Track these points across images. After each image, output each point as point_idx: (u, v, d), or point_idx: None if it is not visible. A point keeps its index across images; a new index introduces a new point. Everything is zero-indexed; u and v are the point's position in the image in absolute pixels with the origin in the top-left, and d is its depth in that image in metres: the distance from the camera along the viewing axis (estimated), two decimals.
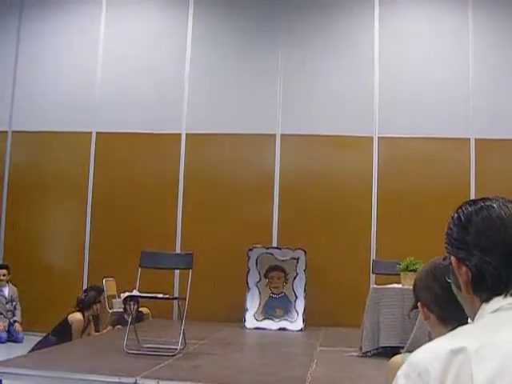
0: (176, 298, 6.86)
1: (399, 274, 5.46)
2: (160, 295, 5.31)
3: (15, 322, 7.48)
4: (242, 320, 7.30)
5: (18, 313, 7.60)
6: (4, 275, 7.63)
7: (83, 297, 6.75)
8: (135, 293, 5.23)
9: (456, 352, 0.90)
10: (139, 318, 6.96)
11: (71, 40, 8.51)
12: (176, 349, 4.88)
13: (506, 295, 1.04)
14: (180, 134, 8.22)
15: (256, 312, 7.41)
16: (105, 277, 7.22)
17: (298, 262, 7.52)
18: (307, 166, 8.07)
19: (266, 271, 7.57)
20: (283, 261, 7.56)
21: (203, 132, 8.17)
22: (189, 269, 5.41)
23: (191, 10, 8.41)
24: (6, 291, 7.60)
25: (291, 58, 8.21)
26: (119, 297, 6.60)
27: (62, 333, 6.26)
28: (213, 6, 8.42)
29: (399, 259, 5.53)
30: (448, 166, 7.83)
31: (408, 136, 7.89)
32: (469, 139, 7.82)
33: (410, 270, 5.22)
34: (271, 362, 4.94)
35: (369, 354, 5.22)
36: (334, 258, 7.69)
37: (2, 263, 7.93)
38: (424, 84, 7.96)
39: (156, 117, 8.24)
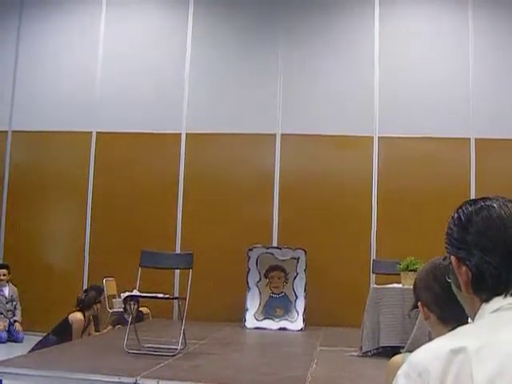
0: (176, 298, 6.86)
1: (399, 274, 5.47)
2: (160, 295, 5.31)
3: (15, 321, 7.49)
4: (242, 320, 7.31)
5: (19, 313, 7.60)
6: (4, 275, 7.63)
7: (83, 297, 6.75)
8: (135, 293, 5.24)
9: (456, 352, 0.90)
10: (139, 317, 6.96)
11: (71, 40, 8.51)
12: (176, 349, 4.88)
13: (506, 295, 1.04)
14: (180, 134, 8.22)
15: (256, 312, 7.41)
16: (105, 277, 7.22)
17: (298, 261, 7.52)
18: (307, 166, 8.07)
19: (266, 271, 7.57)
20: (283, 261, 7.57)
21: (203, 132, 8.17)
22: (189, 269, 5.41)
23: (191, 10, 8.41)
24: (6, 291, 7.60)
25: (291, 58, 8.22)
26: (119, 297, 6.60)
27: (63, 333, 6.26)
28: (213, 5, 8.42)
29: (399, 259, 5.53)
30: (448, 166, 7.83)
31: (408, 136, 7.90)
32: (469, 139, 7.82)
33: (410, 270, 5.23)
34: (271, 362, 4.93)
35: (369, 353, 5.22)
36: (334, 257, 7.70)
37: (2, 263, 7.93)
38: (424, 84, 7.97)
39: (156, 117, 8.24)
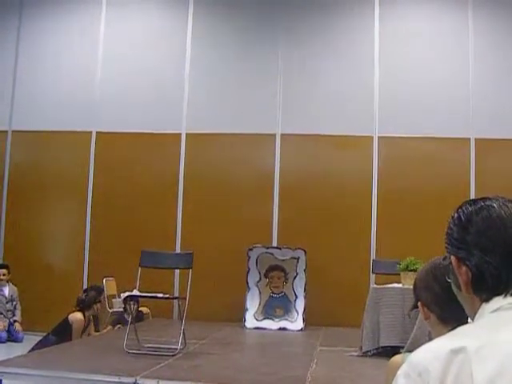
0: (176, 298, 6.86)
1: (399, 274, 5.47)
2: (160, 295, 5.31)
3: (15, 321, 7.49)
4: (242, 320, 7.31)
5: (18, 312, 7.60)
6: (4, 275, 7.63)
7: (83, 297, 6.76)
8: (135, 292, 5.24)
9: (456, 352, 0.90)
10: (139, 317, 6.96)
11: (71, 40, 8.51)
12: (176, 348, 4.88)
13: (506, 295, 1.04)
14: (180, 134, 8.22)
15: (256, 312, 7.41)
16: (105, 276, 7.22)
17: (298, 261, 7.52)
18: (307, 166, 8.07)
19: (266, 271, 7.57)
20: (283, 260, 7.57)
21: (203, 132, 8.17)
22: (189, 268, 5.41)
23: (191, 10, 8.41)
24: (6, 291, 7.60)
25: (291, 58, 8.22)
26: (119, 296, 6.60)
27: (62, 332, 6.26)
28: (213, 5, 8.42)
29: (399, 259, 5.53)
30: (448, 165, 7.83)
31: (408, 136, 7.90)
32: (469, 139, 7.82)
33: (410, 270, 5.23)
34: (271, 362, 4.94)
35: (369, 353, 5.22)
36: (334, 257, 7.70)
37: (2, 263, 7.93)
38: (424, 84, 7.97)
39: (156, 117, 8.24)
